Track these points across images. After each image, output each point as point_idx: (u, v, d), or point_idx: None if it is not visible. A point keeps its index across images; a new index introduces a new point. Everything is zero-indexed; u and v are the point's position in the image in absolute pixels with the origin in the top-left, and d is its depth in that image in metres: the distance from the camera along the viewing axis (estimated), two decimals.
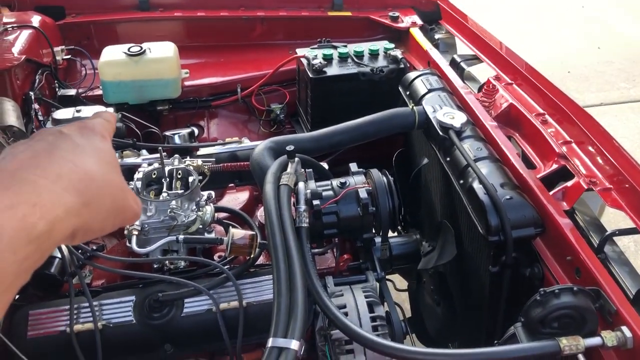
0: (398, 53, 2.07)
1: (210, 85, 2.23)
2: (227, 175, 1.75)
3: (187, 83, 2.21)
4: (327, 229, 1.45)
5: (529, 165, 1.65)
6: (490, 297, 1.39)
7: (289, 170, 1.41)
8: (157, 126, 2.12)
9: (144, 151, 1.83)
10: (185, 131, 1.83)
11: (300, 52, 2.13)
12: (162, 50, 2.11)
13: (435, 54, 2.09)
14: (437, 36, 2.37)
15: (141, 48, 2.08)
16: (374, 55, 2.11)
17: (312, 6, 2.43)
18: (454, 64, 2.21)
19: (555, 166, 1.55)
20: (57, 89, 2.09)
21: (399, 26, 2.36)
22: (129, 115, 2.06)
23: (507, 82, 1.90)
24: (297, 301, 1.09)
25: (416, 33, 2.28)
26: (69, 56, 2.21)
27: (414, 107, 1.67)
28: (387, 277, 1.87)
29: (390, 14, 2.41)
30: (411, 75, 1.88)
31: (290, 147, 1.44)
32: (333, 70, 2.03)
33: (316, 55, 2.06)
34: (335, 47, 2.15)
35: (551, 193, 1.46)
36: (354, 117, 1.69)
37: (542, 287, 1.32)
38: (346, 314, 1.29)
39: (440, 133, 1.56)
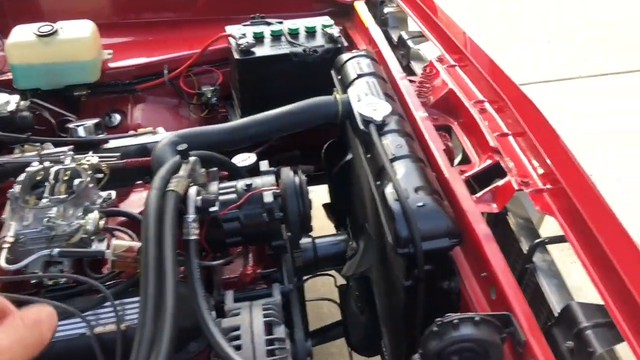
0: (335, 31, 1.89)
1: (135, 67, 2.05)
2: (136, 172, 1.58)
3: (110, 65, 2.02)
4: (230, 237, 1.30)
5: (466, 159, 1.50)
6: (405, 312, 1.25)
7: (180, 172, 1.25)
8: (75, 113, 1.95)
9: (49, 144, 1.66)
10: (90, 122, 1.66)
11: (229, 29, 1.94)
12: (77, 30, 1.92)
13: (375, 31, 1.91)
14: (386, 10, 2.18)
15: (52, 27, 1.89)
16: (310, 33, 1.93)
17: None
18: (401, 42, 2.04)
19: (488, 162, 1.40)
20: None
21: (345, 0, 2.16)
22: (41, 102, 1.88)
23: (450, 64, 1.72)
24: (163, 332, 0.95)
25: (360, 7, 2.09)
26: None
27: (338, 96, 1.50)
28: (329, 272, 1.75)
29: None
30: (343, 57, 1.70)
31: (183, 146, 1.29)
32: (263, 50, 1.85)
33: (244, 34, 1.88)
34: (268, 24, 1.96)
35: (480, 194, 1.31)
36: (287, 102, 1.53)
37: (459, 303, 1.18)
38: (238, 337, 1.15)
39: (361, 126, 1.39)
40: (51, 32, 1.88)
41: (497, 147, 1.39)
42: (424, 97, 1.66)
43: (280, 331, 1.19)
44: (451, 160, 1.55)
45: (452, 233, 1.15)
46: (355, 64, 1.64)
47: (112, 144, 1.68)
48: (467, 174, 1.38)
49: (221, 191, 1.31)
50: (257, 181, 1.33)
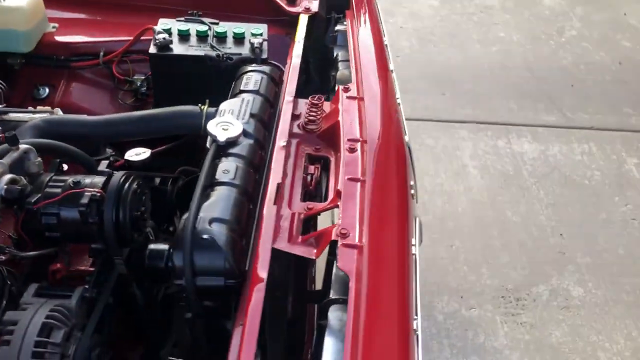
0: (258, 41, 1.84)
1: (75, 44, 2.07)
2: None
3: (51, 39, 2.06)
4: (49, 231, 1.30)
5: (323, 197, 1.44)
6: (193, 346, 1.21)
7: (3, 160, 1.25)
8: (6, 82, 2.00)
9: None
10: None
11: (161, 22, 1.93)
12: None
13: (297, 47, 1.85)
14: (337, 27, 2.11)
15: None
16: (238, 39, 1.89)
17: None
18: (335, 63, 1.97)
19: (331, 205, 1.33)
20: None
21: (292, 10, 2.11)
22: None
23: (352, 96, 1.64)
24: None
25: (302, 20, 2.03)
26: None
27: (204, 108, 1.46)
28: None
29: None
30: (244, 68, 1.66)
31: (11, 133, 1.29)
32: (179, 49, 1.83)
33: (170, 29, 1.86)
34: (202, 23, 1.94)
35: (307, 236, 1.25)
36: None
37: None
38: (11, 333, 1.15)
39: (207, 144, 1.36)
40: None
41: (341, 190, 1.32)
42: (315, 124, 1.59)
43: (57, 336, 1.18)
44: (321, 194, 1.50)
45: (229, 273, 1.10)
46: (246, 78, 1.60)
47: (11, 117, 1.70)
48: (307, 212, 1.32)
49: (51, 183, 1.30)
50: (86, 180, 1.31)
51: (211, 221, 1.14)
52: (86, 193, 1.27)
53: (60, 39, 2.07)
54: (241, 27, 1.91)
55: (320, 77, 2.11)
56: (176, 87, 1.86)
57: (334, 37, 2.10)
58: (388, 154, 1.39)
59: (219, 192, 1.22)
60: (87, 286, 1.29)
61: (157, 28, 1.86)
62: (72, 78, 2.11)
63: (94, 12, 2.23)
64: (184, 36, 1.87)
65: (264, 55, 1.83)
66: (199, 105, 1.48)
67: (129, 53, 2.06)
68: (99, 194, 1.27)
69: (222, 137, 1.33)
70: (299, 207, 1.31)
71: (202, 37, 1.88)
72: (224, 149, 1.33)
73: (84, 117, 1.53)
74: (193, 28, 1.88)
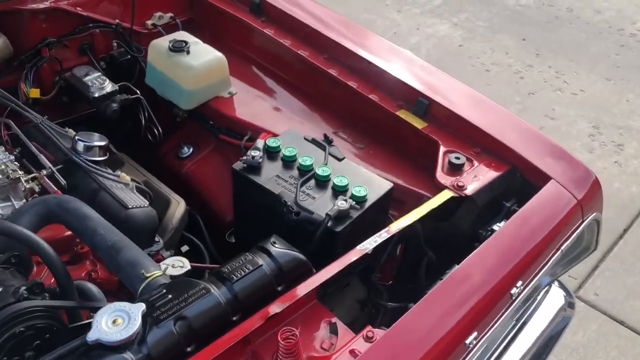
0: (345, 205, 1.38)
1: (228, 117, 1.93)
2: None
3: (219, 104, 1.97)
4: None
5: None
6: None
7: None
8: (168, 129, 2.04)
9: None
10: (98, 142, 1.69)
11: (284, 134, 1.63)
12: (198, 58, 1.92)
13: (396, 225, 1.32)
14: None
15: (185, 44, 1.94)
16: (338, 190, 1.47)
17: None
18: None
19: None
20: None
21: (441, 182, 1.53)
22: (145, 104, 2.02)
23: None
24: None
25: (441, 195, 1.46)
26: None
27: (149, 276, 1.14)
28: None
29: None
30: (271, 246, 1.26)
31: None
32: (265, 172, 1.53)
33: (276, 147, 1.56)
34: (321, 147, 1.59)
35: None
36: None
37: None
38: None
39: None
40: (179, 48, 1.93)
41: None
42: None
43: None
44: None
45: None
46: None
47: None
48: None
49: None
50: None
51: None
52: None
53: (222, 106, 1.97)
54: (351, 176, 1.47)
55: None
56: (251, 208, 1.57)
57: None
58: None
59: None
60: None
61: (260, 144, 1.57)
62: (217, 149, 2.00)
63: (294, 93, 2.05)
64: (288, 162, 1.55)
65: (339, 228, 1.36)
66: (143, 272, 1.16)
67: None
68: None
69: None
70: None
71: (303, 170, 1.52)
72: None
73: (89, 213, 1.36)
74: (301, 154, 1.54)
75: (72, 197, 1.41)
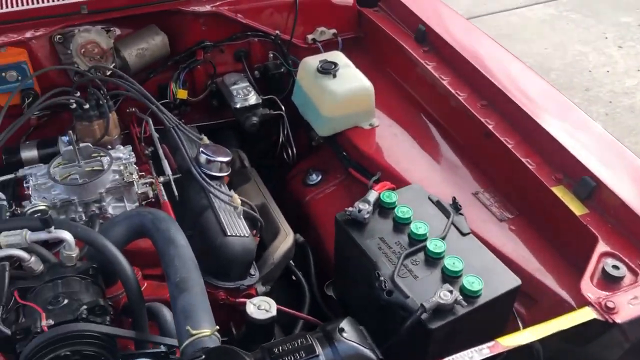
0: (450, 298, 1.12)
1: (360, 149, 1.76)
2: None
3: (353, 136, 1.80)
4: None
5: None
6: None
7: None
8: (307, 152, 1.97)
9: None
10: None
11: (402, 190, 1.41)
12: (342, 84, 1.78)
13: None
14: None
15: (334, 66, 1.80)
16: (433, 258, 1.22)
17: None
18: None
19: None
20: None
21: None
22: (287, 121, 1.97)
23: None
24: None
25: None
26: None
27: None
28: None
29: None
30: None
31: (45, 214, 1.20)
32: (370, 228, 1.32)
33: (391, 203, 1.35)
34: (445, 213, 1.33)
35: None
36: None
37: None
38: None
39: None
40: (326, 70, 1.80)
41: None
42: None
43: None
44: None
45: None
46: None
47: None
48: None
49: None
50: None
51: None
52: None
53: (358, 138, 1.80)
54: (469, 259, 1.21)
55: None
56: (350, 266, 1.39)
57: None
58: None
59: None
60: None
61: (372, 196, 1.37)
62: (345, 182, 1.84)
63: (441, 137, 1.81)
64: (399, 224, 1.33)
65: (435, 325, 1.11)
66: (189, 329, 1.03)
67: None
68: None
69: None
70: None
71: (414, 239, 1.29)
72: None
73: (175, 238, 1.28)
74: (418, 218, 1.31)
75: (168, 216, 1.36)
